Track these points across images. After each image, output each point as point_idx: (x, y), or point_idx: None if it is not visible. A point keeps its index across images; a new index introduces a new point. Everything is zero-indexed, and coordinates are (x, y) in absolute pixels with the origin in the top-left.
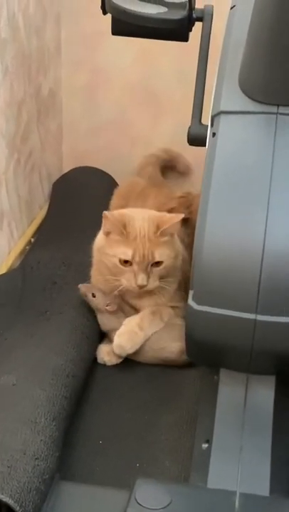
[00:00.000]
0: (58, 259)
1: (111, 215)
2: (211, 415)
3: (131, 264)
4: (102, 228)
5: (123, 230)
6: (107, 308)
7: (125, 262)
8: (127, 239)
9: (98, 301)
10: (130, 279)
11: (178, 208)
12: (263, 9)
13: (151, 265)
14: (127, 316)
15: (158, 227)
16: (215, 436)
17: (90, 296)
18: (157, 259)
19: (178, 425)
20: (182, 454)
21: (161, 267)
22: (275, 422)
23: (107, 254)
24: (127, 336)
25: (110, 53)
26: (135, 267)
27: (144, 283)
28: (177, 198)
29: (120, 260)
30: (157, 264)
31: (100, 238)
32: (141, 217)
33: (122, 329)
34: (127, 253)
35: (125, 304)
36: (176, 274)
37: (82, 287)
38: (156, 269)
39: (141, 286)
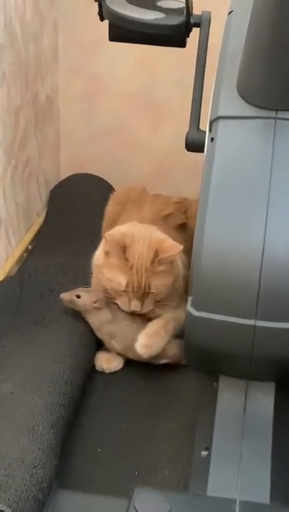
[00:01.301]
0: (55, 266)
1: (111, 237)
2: (210, 422)
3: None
4: (101, 245)
5: (122, 254)
6: (95, 305)
7: None
8: (125, 265)
9: (84, 301)
10: (125, 303)
11: (174, 214)
12: (260, 14)
13: (148, 292)
14: (114, 313)
15: (156, 255)
16: (214, 444)
17: (75, 299)
18: (153, 290)
19: (177, 433)
20: (181, 462)
21: (157, 294)
22: (275, 428)
23: (105, 276)
24: (155, 337)
25: (108, 60)
26: (130, 294)
27: (138, 309)
28: (173, 203)
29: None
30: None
31: (99, 255)
32: (142, 240)
33: (149, 330)
34: (121, 283)
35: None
36: (173, 296)
37: (64, 296)
38: (152, 295)
39: (134, 312)
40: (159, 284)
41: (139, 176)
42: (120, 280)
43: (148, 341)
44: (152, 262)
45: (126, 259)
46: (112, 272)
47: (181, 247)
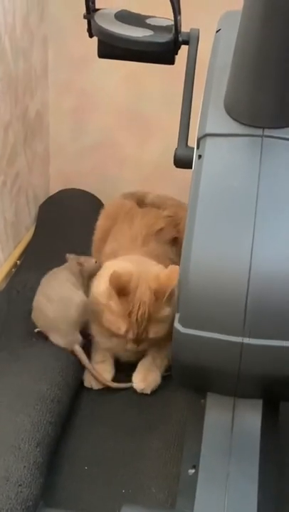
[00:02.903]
0: None
1: (116, 277)
2: (197, 440)
3: None
4: (102, 278)
5: (120, 297)
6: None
7: None
8: (125, 311)
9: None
10: (121, 343)
11: (166, 228)
12: (247, 33)
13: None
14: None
15: (158, 297)
16: (202, 462)
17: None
18: (151, 336)
19: (165, 450)
20: (169, 480)
21: (154, 338)
22: (263, 446)
23: (105, 317)
24: (149, 373)
25: (97, 76)
26: (127, 338)
27: (134, 349)
28: (165, 217)
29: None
30: None
31: (102, 291)
32: (143, 284)
33: (141, 372)
34: (120, 329)
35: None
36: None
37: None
38: (149, 338)
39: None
40: (158, 330)
41: (128, 190)
42: (120, 325)
43: (143, 376)
44: (154, 306)
45: (126, 304)
46: (113, 315)
47: (177, 268)
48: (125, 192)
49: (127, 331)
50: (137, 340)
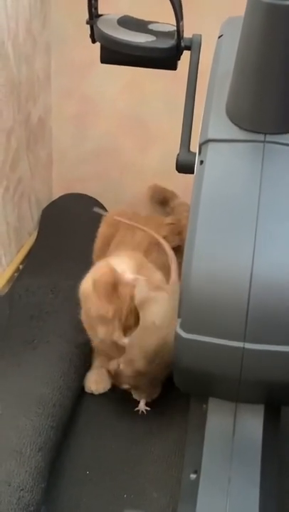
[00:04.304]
0: (46, 287)
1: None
2: (199, 445)
3: None
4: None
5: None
6: None
7: None
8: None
9: None
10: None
11: (169, 237)
12: (249, 38)
13: None
14: None
15: None
16: (203, 467)
17: None
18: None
19: (166, 455)
20: (170, 485)
21: None
22: (264, 451)
23: (92, 305)
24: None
25: (100, 81)
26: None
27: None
28: (167, 225)
29: None
30: None
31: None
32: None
33: None
34: (108, 312)
35: None
36: None
37: None
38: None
39: None
40: None
41: (130, 196)
42: (107, 308)
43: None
44: None
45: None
46: (99, 300)
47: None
48: (155, 184)
49: (114, 314)
50: (126, 329)
